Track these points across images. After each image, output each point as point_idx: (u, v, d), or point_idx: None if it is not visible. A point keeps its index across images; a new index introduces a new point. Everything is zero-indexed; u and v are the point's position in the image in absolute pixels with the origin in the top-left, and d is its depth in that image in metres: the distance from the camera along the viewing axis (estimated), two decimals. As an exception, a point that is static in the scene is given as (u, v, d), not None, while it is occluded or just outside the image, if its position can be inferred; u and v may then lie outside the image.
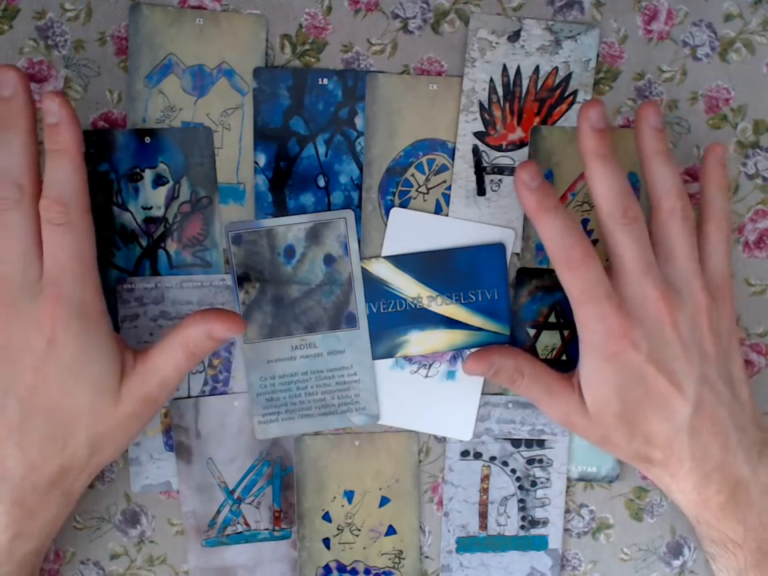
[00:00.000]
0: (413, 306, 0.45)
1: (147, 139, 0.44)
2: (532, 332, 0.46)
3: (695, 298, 0.40)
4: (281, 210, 0.45)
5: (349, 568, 0.47)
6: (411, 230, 0.45)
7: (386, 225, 0.45)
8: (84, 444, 0.38)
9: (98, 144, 0.44)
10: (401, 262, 0.45)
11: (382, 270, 0.45)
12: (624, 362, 0.39)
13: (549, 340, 0.46)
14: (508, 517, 0.47)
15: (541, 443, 0.46)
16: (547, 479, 0.47)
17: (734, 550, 0.41)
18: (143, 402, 0.39)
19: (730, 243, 0.43)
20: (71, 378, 0.37)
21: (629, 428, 0.40)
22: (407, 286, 0.45)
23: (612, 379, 0.39)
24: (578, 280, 0.39)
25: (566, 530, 0.47)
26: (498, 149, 0.45)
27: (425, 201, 0.46)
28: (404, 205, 0.46)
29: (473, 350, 0.45)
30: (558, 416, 0.42)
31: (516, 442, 0.47)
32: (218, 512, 0.46)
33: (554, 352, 0.46)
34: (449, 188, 0.46)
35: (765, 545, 0.40)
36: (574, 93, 0.45)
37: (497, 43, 0.45)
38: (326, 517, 0.47)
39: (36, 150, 0.38)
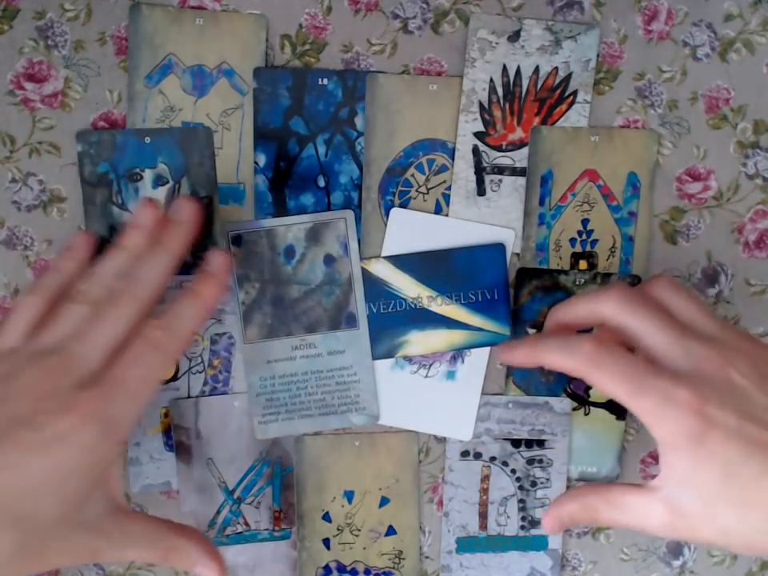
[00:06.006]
0: (413, 306, 0.45)
1: (147, 139, 0.44)
2: (532, 332, 0.46)
3: (736, 343, 0.36)
4: (281, 210, 0.45)
5: (349, 568, 0.47)
6: (411, 230, 0.45)
7: (385, 225, 0.45)
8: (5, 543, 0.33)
9: (98, 144, 0.44)
10: (401, 261, 0.45)
11: (382, 270, 0.45)
12: (718, 436, 0.33)
13: (549, 340, 0.46)
14: (508, 517, 0.47)
15: (541, 443, 0.46)
16: (547, 479, 0.47)
17: None
18: (74, 549, 0.35)
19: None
20: (46, 473, 0.33)
21: (746, 506, 0.34)
22: (407, 286, 0.45)
23: (718, 459, 0.33)
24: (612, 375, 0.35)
25: (565, 530, 0.47)
26: (498, 149, 0.45)
27: (425, 201, 0.46)
28: (404, 205, 0.46)
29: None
30: (656, 527, 0.35)
31: (516, 442, 0.46)
32: (218, 512, 0.46)
33: (554, 352, 0.46)
34: (449, 188, 0.46)
35: None
36: (574, 93, 0.45)
37: (497, 43, 0.45)
38: (326, 517, 0.47)
39: (172, 270, 0.39)
